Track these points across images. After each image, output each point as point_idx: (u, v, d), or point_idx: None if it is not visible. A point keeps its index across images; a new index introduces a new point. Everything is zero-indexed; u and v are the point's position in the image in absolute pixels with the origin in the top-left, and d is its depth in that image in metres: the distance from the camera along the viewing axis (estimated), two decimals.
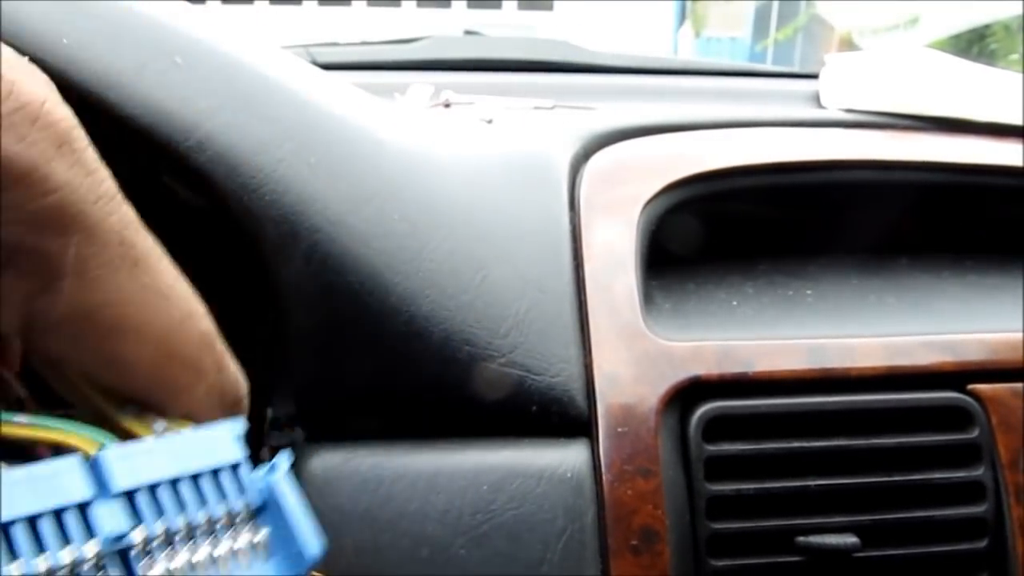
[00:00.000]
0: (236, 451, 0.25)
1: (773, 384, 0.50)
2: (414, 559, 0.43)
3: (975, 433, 0.51)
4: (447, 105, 0.81)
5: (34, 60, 0.42)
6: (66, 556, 0.20)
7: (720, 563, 0.47)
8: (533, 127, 0.67)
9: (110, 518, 0.21)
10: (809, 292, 0.60)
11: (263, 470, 0.26)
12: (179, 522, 0.22)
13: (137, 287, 0.23)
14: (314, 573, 0.27)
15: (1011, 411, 0.51)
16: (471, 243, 0.49)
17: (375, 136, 0.51)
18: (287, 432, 0.47)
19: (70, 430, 0.22)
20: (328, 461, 0.45)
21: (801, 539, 0.48)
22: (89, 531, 0.21)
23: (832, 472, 0.49)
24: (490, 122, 0.69)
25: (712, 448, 0.48)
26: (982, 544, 0.50)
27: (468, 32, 1.34)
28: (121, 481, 0.21)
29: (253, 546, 0.24)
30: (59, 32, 0.42)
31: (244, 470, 0.25)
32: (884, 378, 0.51)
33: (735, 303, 0.58)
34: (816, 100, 0.84)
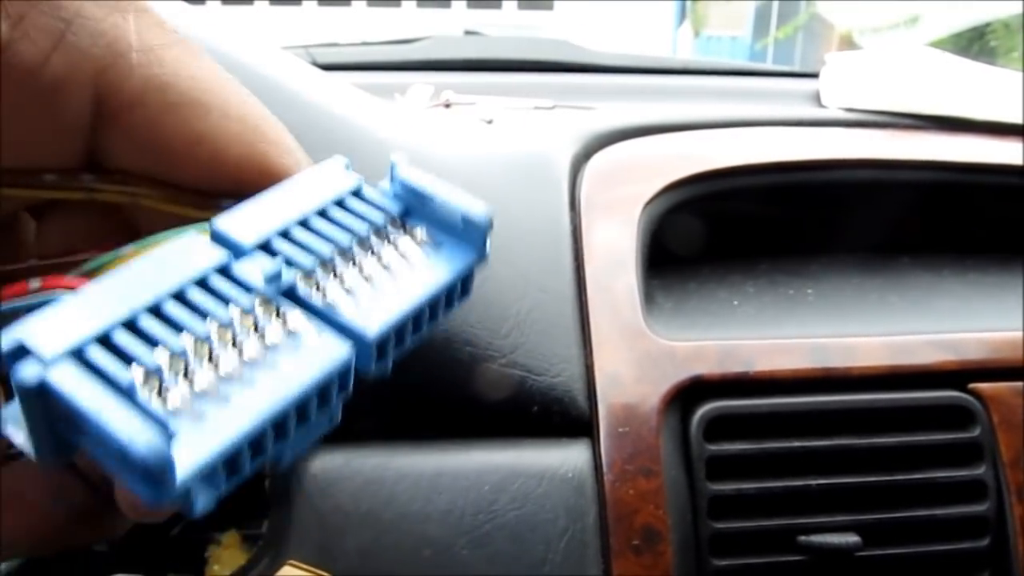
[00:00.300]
0: (352, 178, 0.22)
1: (774, 383, 0.50)
2: (416, 560, 0.43)
3: (976, 432, 0.51)
4: (447, 105, 0.81)
5: None
6: (230, 312, 0.18)
7: (722, 562, 0.47)
8: (533, 127, 0.67)
9: (256, 268, 0.19)
10: (810, 291, 0.60)
11: (385, 179, 0.23)
12: (327, 250, 0.20)
13: (210, 71, 0.21)
14: (318, 572, 0.26)
15: (1012, 410, 0.51)
16: None
17: (376, 137, 0.51)
18: None
19: (176, 232, 0.20)
20: (330, 462, 0.45)
21: (803, 538, 0.48)
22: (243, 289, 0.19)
23: (834, 471, 0.49)
24: (490, 122, 0.69)
25: (714, 447, 0.48)
26: (984, 543, 0.50)
27: (468, 32, 1.34)
28: (248, 237, 0.19)
29: (421, 244, 0.21)
30: None
31: (368, 191, 0.22)
32: (885, 377, 0.51)
33: (736, 302, 0.58)
34: (817, 99, 0.84)
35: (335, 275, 0.20)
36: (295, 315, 0.18)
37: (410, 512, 0.44)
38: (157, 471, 0.15)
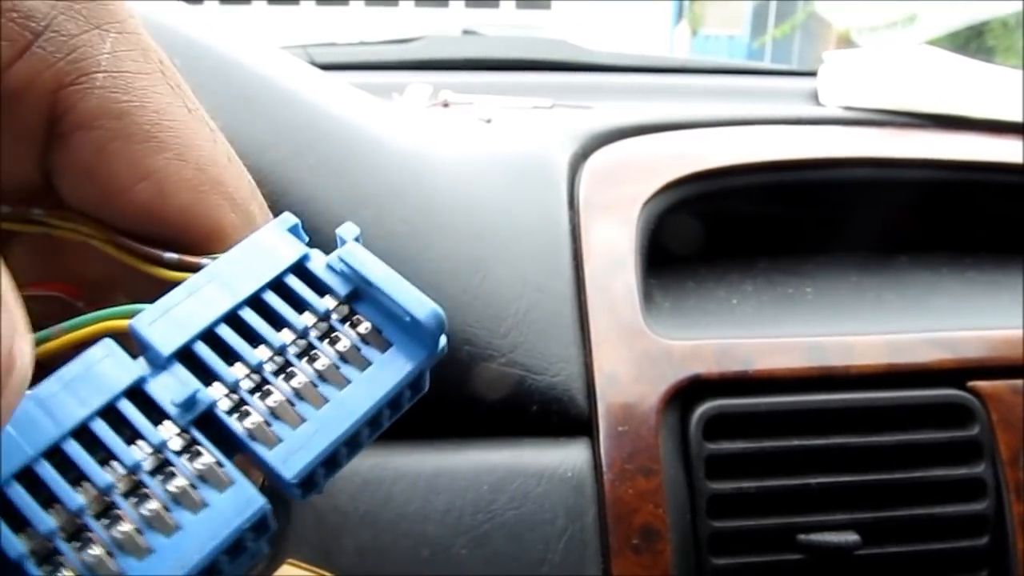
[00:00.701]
0: (297, 249, 0.20)
1: (773, 382, 0.50)
2: (415, 559, 0.43)
3: (975, 430, 0.51)
4: (445, 105, 0.81)
5: None
6: (137, 452, 0.17)
7: (721, 561, 0.47)
8: (532, 126, 0.67)
9: (170, 388, 0.17)
10: (808, 290, 0.60)
11: (330, 255, 0.20)
12: (256, 355, 0.18)
13: (178, 107, 0.20)
14: (317, 571, 0.25)
15: (1011, 408, 0.51)
16: (470, 243, 0.49)
17: (374, 136, 0.51)
18: None
19: (100, 316, 0.18)
20: None
21: (802, 537, 0.48)
22: (160, 413, 0.17)
23: (833, 470, 0.49)
24: (489, 122, 0.69)
25: (713, 446, 0.48)
26: (983, 541, 0.50)
27: (466, 32, 1.34)
28: (166, 344, 0.18)
29: (364, 342, 0.19)
30: None
31: (314, 264, 0.20)
32: (884, 376, 0.51)
33: (735, 301, 0.58)
34: (815, 98, 0.84)
35: (261, 391, 0.18)
36: (205, 458, 0.17)
37: (408, 512, 0.44)
38: None
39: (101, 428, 0.17)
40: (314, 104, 0.49)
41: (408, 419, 0.47)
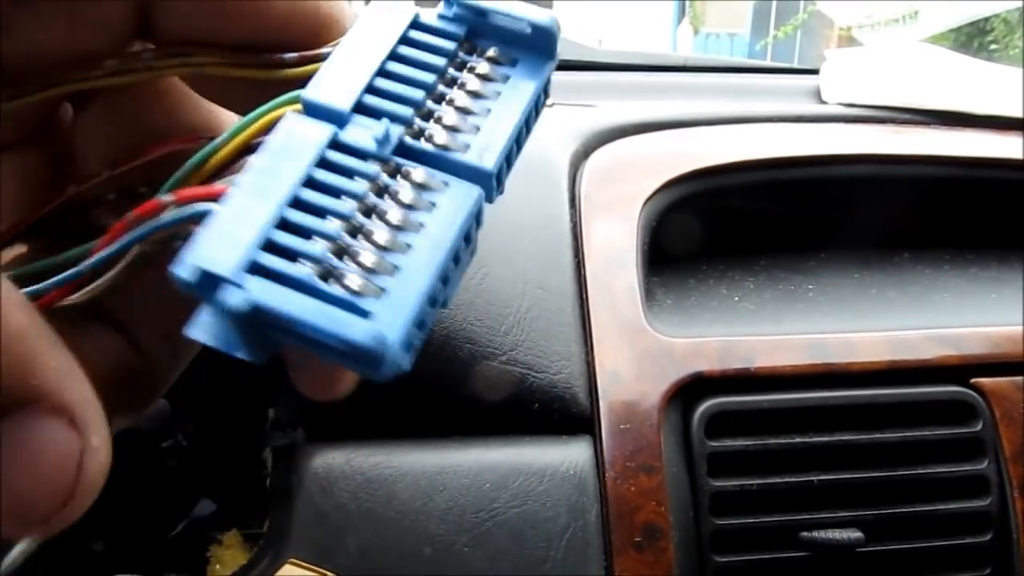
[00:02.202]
0: (407, 9, 0.21)
1: (775, 380, 0.50)
2: (417, 557, 0.43)
3: (978, 427, 0.51)
4: None
5: None
6: (361, 185, 0.18)
7: (724, 559, 0.47)
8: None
9: (362, 133, 0.19)
10: (810, 287, 0.60)
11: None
12: (417, 94, 0.19)
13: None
14: (319, 571, 0.25)
15: (1014, 405, 0.51)
16: None
17: None
18: (289, 432, 0.47)
19: (265, 110, 0.19)
20: (330, 461, 0.45)
21: (805, 534, 0.48)
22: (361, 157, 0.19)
23: (835, 467, 0.49)
24: None
25: (715, 444, 0.48)
26: (986, 538, 0.50)
27: None
28: (343, 102, 0.19)
29: (496, 63, 0.21)
30: None
31: (427, 18, 0.21)
32: (886, 373, 0.51)
33: (736, 299, 0.58)
34: (817, 95, 0.83)
35: (434, 118, 0.20)
36: (418, 172, 0.19)
37: (411, 510, 0.44)
38: (379, 353, 0.16)
39: (323, 175, 0.18)
40: None
41: (410, 417, 0.48)
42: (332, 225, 0.18)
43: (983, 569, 0.50)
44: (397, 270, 0.18)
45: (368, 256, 0.18)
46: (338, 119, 0.19)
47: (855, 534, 0.48)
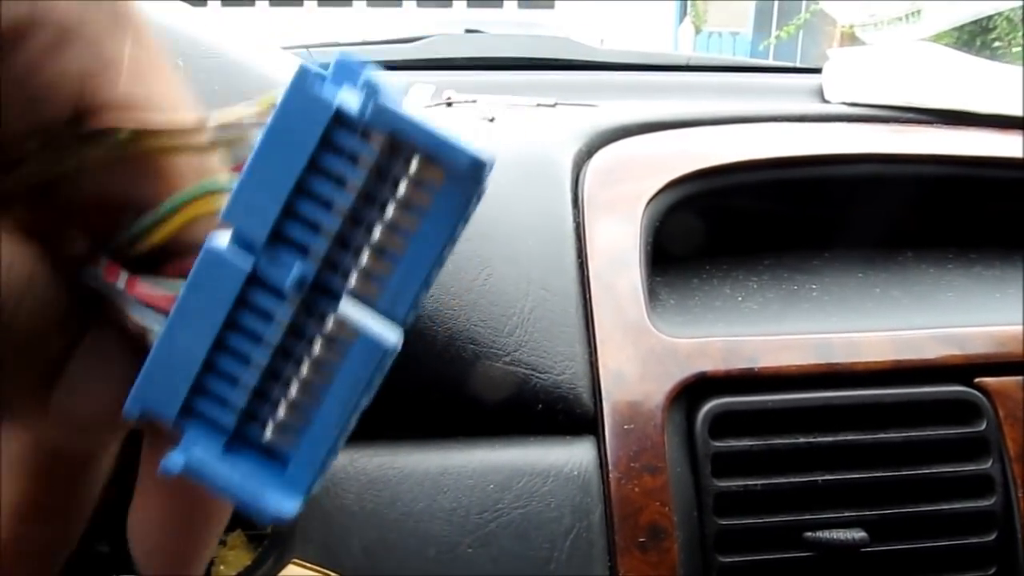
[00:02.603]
0: (329, 100, 0.19)
1: (779, 380, 0.50)
2: (421, 558, 0.43)
3: (982, 426, 0.51)
4: (449, 104, 0.81)
5: None
6: (278, 328, 0.19)
7: (728, 559, 0.47)
8: (535, 125, 0.67)
9: (278, 269, 0.19)
10: (814, 287, 0.60)
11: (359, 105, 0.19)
12: (335, 222, 0.19)
13: (178, 91, 0.22)
14: (322, 571, 0.26)
15: (1018, 404, 0.51)
16: (475, 242, 0.49)
17: None
18: None
19: (183, 200, 0.20)
20: (334, 462, 0.45)
21: (809, 534, 0.48)
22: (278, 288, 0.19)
23: (839, 467, 0.49)
24: (492, 120, 0.69)
25: (719, 444, 0.48)
26: (991, 538, 0.50)
27: (469, 30, 1.34)
28: (260, 232, 0.19)
29: (418, 183, 0.19)
30: None
31: (350, 112, 0.19)
32: (890, 372, 0.51)
33: (740, 299, 0.58)
34: (819, 95, 0.83)
35: (352, 249, 0.19)
36: (330, 320, 0.19)
37: (415, 511, 0.44)
38: (285, 520, 0.20)
39: (243, 316, 0.20)
40: None
41: (414, 418, 0.48)
42: (253, 370, 0.20)
43: (988, 569, 0.50)
44: (308, 422, 0.20)
45: (282, 409, 0.20)
46: (256, 249, 0.19)
47: (859, 534, 0.48)
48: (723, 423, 0.48)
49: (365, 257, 0.19)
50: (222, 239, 0.19)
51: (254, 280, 0.19)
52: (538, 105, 0.78)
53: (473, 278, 0.48)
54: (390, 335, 0.20)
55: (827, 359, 0.51)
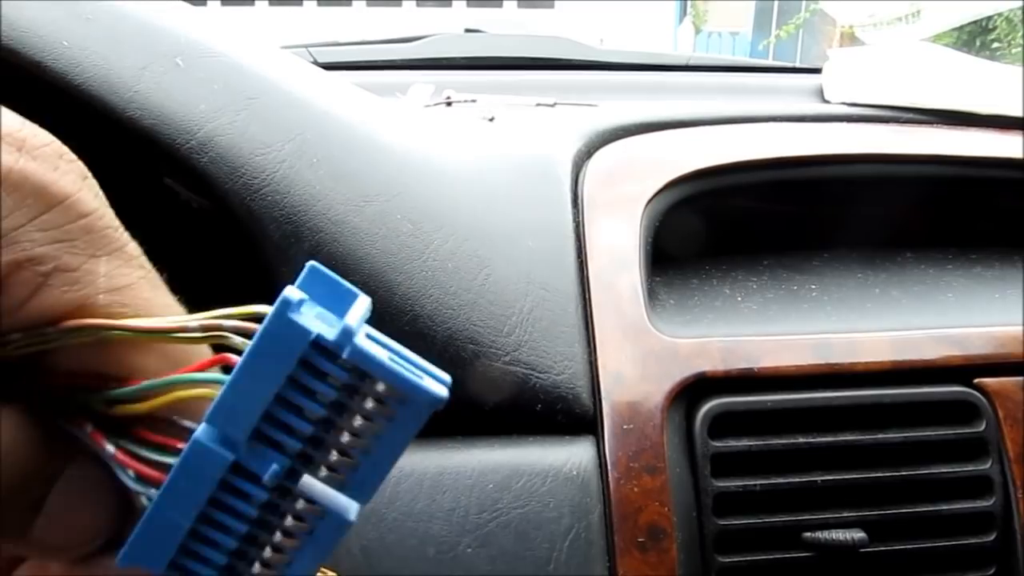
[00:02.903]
0: (308, 326, 0.21)
1: (779, 380, 0.50)
2: (420, 558, 0.43)
3: (982, 427, 0.51)
4: (448, 103, 0.81)
5: (35, 63, 0.42)
6: (251, 507, 0.22)
7: (728, 560, 0.47)
8: (535, 125, 0.67)
9: (259, 463, 0.22)
10: (814, 287, 0.60)
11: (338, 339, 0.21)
12: (306, 429, 0.22)
13: (160, 303, 0.24)
14: (324, 572, 0.26)
15: (1018, 405, 0.51)
16: (474, 242, 0.49)
17: (377, 136, 0.51)
18: None
19: (174, 383, 0.22)
20: None
21: (808, 535, 0.47)
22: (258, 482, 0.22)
23: (839, 467, 0.49)
24: (492, 120, 0.69)
25: (718, 444, 0.48)
26: (990, 538, 0.50)
27: (469, 30, 1.34)
28: (241, 432, 0.22)
29: (382, 400, 0.22)
30: (59, 36, 0.42)
31: (324, 336, 0.21)
32: (890, 373, 0.51)
33: (739, 299, 0.58)
34: (819, 95, 0.83)
35: (323, 447, 0.22)
36: (300, 503, 0.22)
37: (414, 511, 0.44)
38: None
39: (224, 496, 0.22)
40: (316, 104, 0.49)
41: None
42: (233, 538, 0.22)
43: (987, 569, 0.50)
44: None
45: (256, 567, 0.23)
46: (238, 447, 0.22)
47: (859, 534, 0.48)
48: (722, 423, 0.48)
49: (334, 454, 0.22)
50: (208, 432, 0.22)
51: (236, 467, 0.22)
52: (538, 105, 0.78)
53: (472, 278, 0.48)
54: (351, 511, 0.23)
55: (826, 359, 0.51)
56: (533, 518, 0.44)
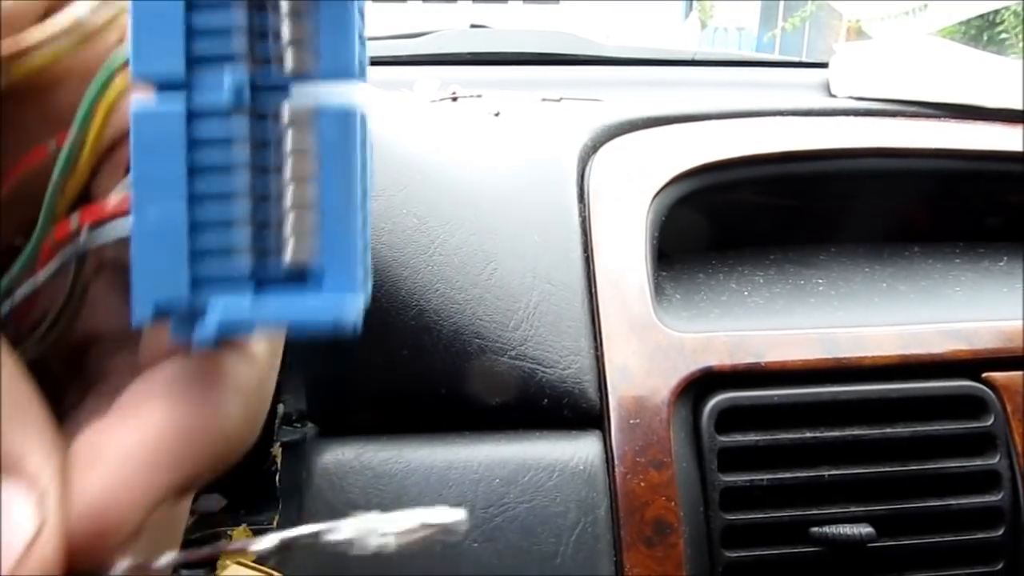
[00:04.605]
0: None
1: (785, 374, 0.50)
2: (427, 553, 0.43)
3: (990, 421, 0.50)
4: (454, 99, 0.81)
5: None
6: (239, 150, 0.18)
7: (734, 555, 0.47)
8: (541, 120, 0.67)
9: (213, 88, 0.18)
10: (820, 281, 0.60)
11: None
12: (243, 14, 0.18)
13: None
14: (264, 570, 0.25)
15: None
16: (480, 237, 0.49)
17: (383, 132, 0.51)
18: (299, 428, 0.47)
19: (100, 80, 0.19)
20: (340, 456, 0.45)
21: (815, 530, 0.47)
22: None
23: (846, 462, 0.49)
24: (497, 115, 0.69)
25: (725, 439, 0.48)
26: (998, 533, 0.50)
27: (474, 26, 1.33)
28: (171, 62, 0.18)
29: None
30: None
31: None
32: (897, 367, 0.51)
33: (746, 293, 0.58)
34: (826, 89, 0.83)
35: (271, 34, 0.18)
36: (284, 108, 0.18)
37: (420, 506, 0.44)
38: (347, 321, 0.18)
39: (202, 155, 0.18)
40: None
41: (419, 413, 0.48)
42: (239, 202, 0.18)
43: (995, 564, 0.50)
44: (320, 221, 0.18)
45: (289, 222, 0.18)
46: (180, 82, 0.18)
47: (866, 529, 0.47)
48: (729, 418, 0.48)
49: (285, 29, 0.18)
50: (144, 100, 0.18)
51: (194, 115, 0.18)
52: (543, 100, 0.78)
53: (479, 273, 0.48)
54: (353, 96, 0.19)
55: (833, 354, 0.51)
56: (540, 513, 0.44)
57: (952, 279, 0.62)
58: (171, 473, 0.19)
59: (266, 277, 0.18)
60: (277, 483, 0.47)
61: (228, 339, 0.18)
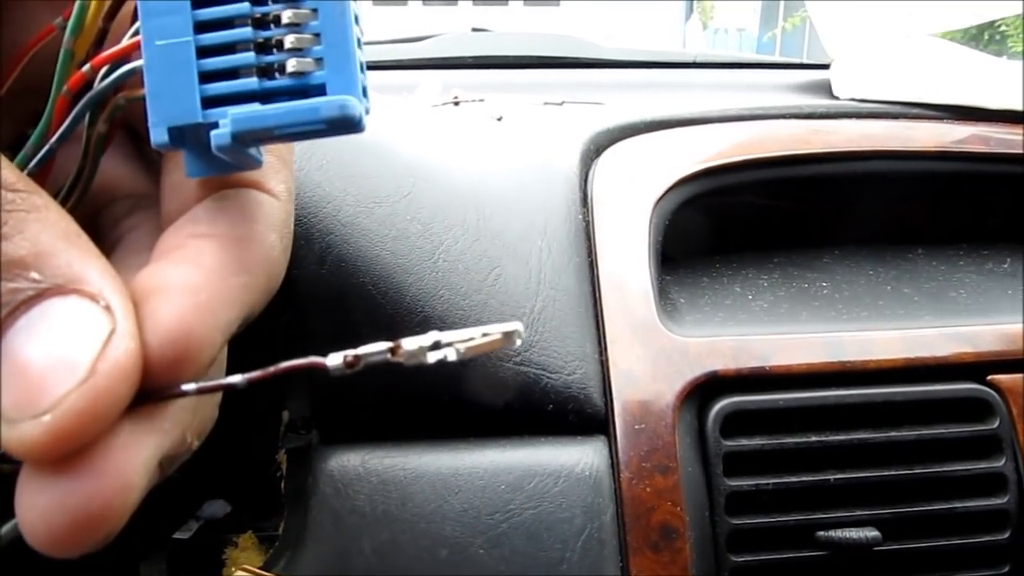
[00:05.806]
0: None
1: (790, 378, 0.50)
2: (433, 560, 0.43)
3: (995, 424, 0.50)
4: (456, 103, 0.81)
5: None
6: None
7: (740, 559, 0.47)
8: (543, 124, 0.67)
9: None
10: (824, 284, 0.60)
11: None
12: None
13: None
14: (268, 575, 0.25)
15: None
16: (484, 242, 0.49)
17: (386, 137, 0.51)
18: (303, 434, 0.47)
19: None
20: (345, 462, 0.45)
21: (822, 534, 0.47)
22: None
23: (851, 466, 0.49)
24: (500, 119, 0.69)
25: (730, 443, 0.48)
26: (1004, 536, 0.49)
27: (476, 29, 1.33)
28: None
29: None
30: None
31: None
32: (902, 370, 0.51)
33: (750, 297, 0.58)
34: (828, 91, 0.83)
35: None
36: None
37: (426, 512, 0.44)
38: (352, 116, 0.19)
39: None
40: None
41: (424, 419, 0.48)
42: (243, 29, 0.19)
43: (1001, 567, 0.50)
44: (318, 35, 0.19)
45: (289, 37, 0.19)
46: None
47: (872, 533, 0.47)
48: (734, 422, 0.48)
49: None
50: None
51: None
52: (545, 104, 0.78)
53: (483, 278, 0.48)
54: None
55: (838, 357, 0.51)
56: (545, 519, 0.44)
57: (956, 281, 0.62)
58: (238, 303, 0.21)
59: (272, 92, 0.19)
60: (282, 490, 0.47)
61: (245, 143, 0.19)
